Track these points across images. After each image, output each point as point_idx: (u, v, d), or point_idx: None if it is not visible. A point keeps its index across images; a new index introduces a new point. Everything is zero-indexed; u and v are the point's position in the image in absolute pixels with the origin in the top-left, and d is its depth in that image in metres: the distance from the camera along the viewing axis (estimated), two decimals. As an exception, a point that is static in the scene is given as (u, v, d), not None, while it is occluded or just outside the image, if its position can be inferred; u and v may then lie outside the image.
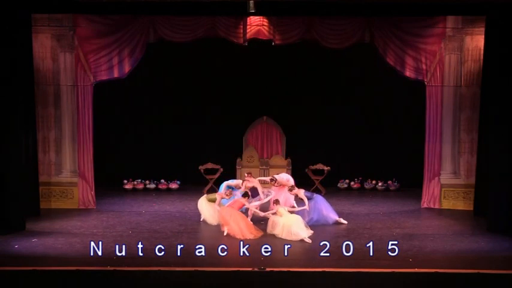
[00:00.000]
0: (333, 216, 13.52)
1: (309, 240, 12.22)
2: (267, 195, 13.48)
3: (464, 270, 10.32)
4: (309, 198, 13.31)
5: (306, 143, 16.91)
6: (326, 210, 13.49)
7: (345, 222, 13.54)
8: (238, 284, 10.16)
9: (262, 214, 13.10)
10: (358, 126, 17.15)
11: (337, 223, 13.48)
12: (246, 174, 14.20)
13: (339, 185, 17.28)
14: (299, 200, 13.47)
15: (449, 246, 11.91)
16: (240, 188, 13.82)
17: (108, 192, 16.29)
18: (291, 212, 12.78)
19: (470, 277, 10.12)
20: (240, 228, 12.47)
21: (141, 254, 11.13)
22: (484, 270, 10.28)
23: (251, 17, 14.41)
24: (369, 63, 15.99)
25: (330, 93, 17.09)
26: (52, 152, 15.05)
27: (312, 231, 12.49)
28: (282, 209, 12.63)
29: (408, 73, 14.83)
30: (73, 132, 14.90)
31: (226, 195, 13.37)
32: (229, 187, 13.85)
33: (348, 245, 11.28)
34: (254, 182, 13.82)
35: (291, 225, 12.33)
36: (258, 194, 13.49)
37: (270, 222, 12.70)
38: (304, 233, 12.33)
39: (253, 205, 13.28)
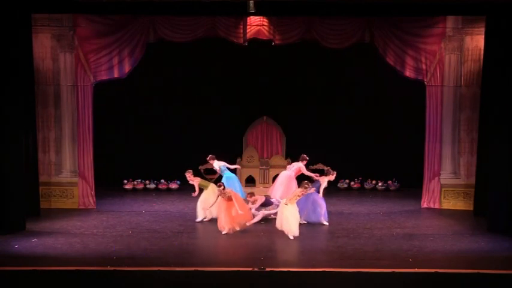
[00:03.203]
0: (321, 215, 13.58)
1: (291, 237, 12.29)
2: (278, 205, 13.57)
3: (464, 270, 10.33)
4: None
5: (306, 143, 16.91)
6: (320, 207, 13.55)
7: (326, 223, 13.58)
8: (238, 284, 10.16)
9: (267, 213, 13.38)
10: (358, 126, 17.15)
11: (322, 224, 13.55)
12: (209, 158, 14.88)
13: (339, 185, 17.27)
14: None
15: (449, 246, 11.92)
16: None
17: (108, 192, 16.29)
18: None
19: (470, 277, 10.12)
20: (220, 220, 12.73)
21: (141, 254, 11.17)
22: (484, 270, 10.28)
23: (251, 17, 14.42)
24: (369, 63, 16.00)
25: (329, 93, 17.10)
26: (52, 152, 15.06)
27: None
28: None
29: (408, 73, 14.84)
30: (73, 132, 14.90)
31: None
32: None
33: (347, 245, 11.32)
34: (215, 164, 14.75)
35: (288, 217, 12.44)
36: (271, 204, 13.54)
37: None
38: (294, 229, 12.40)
39: (267, 213, 13.45)
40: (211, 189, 13.89)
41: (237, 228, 12.70)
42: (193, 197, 14.01)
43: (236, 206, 12.77)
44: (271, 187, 15.24)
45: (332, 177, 13.79)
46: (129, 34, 14.60)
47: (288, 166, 15.23)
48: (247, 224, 13.15)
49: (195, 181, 13.95)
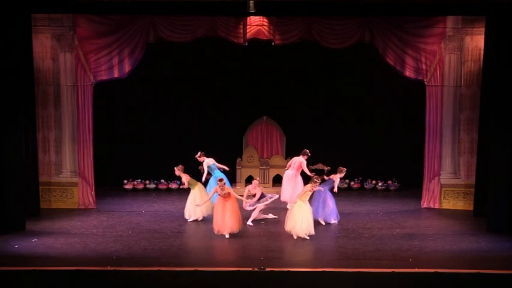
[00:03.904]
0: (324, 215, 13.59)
1: (295, 237, 12.31)
2: (271, 198, 13.56)
3: (464, 270, 10.34)
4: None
5: (306, 143, 16.89)
6: (327, 207, 13.55)
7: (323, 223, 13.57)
8: (238, 284, 10.17)
9: (262, 205, 13.44)
10: (358, 126, 17.16)
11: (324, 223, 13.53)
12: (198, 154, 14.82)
13: (339, 185, 17.25)
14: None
15: (449, 246, 11.93)
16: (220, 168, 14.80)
17: (108, 192, 16.29)
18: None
19: (470, 277, 10.13)
20: (217, 222, 12.55)
21: (141, 254, 11.16)
22: (484, 270, 10.30)
23: (251, 17, 14.42)
24: (369, 63, 16.00)
25: (330, 93, 17.11)
26: (52, 152, 15.05)
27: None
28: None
29: (408, 73, 14.83)
30: (73, 132, 14.90)
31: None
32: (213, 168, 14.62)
33: (347, 245, 11.31)
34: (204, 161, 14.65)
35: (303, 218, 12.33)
36: (264, 196, 13.55)
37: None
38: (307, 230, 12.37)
39: (262, 205, 13.48)
40: (198, 190, 13.90)
41: (227, 233, 12.47)
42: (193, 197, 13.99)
43: (237, 196, 12.69)
44: (280, 191, 15.33)
45: (343, 174, 13.90)
46: (129, 34, 14.59)
47: (288, 164, 15.26)
48: (249, 223, 13.26)
49: (184, 176, 13.93)
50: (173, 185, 17.06)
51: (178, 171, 13.97)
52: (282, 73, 16.99)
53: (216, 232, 12.56)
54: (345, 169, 13.90)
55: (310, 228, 12.39)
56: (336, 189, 13.77)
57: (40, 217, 13.93)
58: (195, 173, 15.04)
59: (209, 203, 13.60)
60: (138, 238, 12.35)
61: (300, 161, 14.92)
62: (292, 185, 14.94)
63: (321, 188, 13.01)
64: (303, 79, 17.07)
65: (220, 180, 12.79)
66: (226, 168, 15.00)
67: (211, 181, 14.61)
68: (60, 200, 15.06)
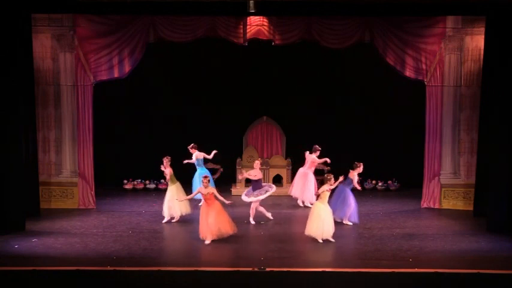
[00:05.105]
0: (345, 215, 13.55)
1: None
2: (267, 191, 13.49)
3: (464, 270, 10.34)
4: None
5: (306, 143, 16.90)
6: (348, 207, 13.51)
7: (350, 223, 13.53)
8: (238, 284, 10.17)
9: (256, 199, 13.42)
10: (358, 126, 17.16)
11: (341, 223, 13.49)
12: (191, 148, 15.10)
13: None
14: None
15: (449, 246, 11.93)
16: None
17: (108, 192, 16.30)
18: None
19: (470, 277, 10.13)
20: (202, 227, 12.23)
21: (141, 254, 11.15)
22: (484, 270, 10.30)
23: (251, 17, 14.43)
24: (369, 63, 15.99)
25: (330, 93, 17.11)
26: (52, 152, 15.06)
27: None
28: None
29: (408, 73, 14.84)
30: (73, 132, 14.91)
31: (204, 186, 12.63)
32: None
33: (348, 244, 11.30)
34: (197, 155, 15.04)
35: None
36: (259, 187, 13.47)
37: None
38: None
39: (254, 199, 13.44)
40: (176, 188, 13.78)
41: (215, 238, 12.10)
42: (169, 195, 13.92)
43: (219, 197, 12.19)
44: (291, 186, 15.48)
45: (360, 169, 13.62)
46: (129, 34, 14.60)
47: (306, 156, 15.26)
48: (251, 221, 13.34)
49: (167, 170, 13.76)
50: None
51: (166, 165, 13.82)
52: (282, 73, 17.00)
53: (203, 238, 12.18)
54: (361, 164, 13.60)
55: (331, 230, 12.18)
56: (358, 187, 13.60)
57: (40, 217, 13.93)
58: (185, 172, 15.07)
59: (187, 203, 13.63)
60: (138, 238, 12.35)
61: (311, 159, 14.98)
62: (303, 183, 15.05)
63: (341, 179, 12.87)
64: (303, 79, 17.07)
65: (205, 177, 12.51)
66: (213, 154, 15.09)
67: (196, 176, 14.81)
68: (60, 200, 15.07)
